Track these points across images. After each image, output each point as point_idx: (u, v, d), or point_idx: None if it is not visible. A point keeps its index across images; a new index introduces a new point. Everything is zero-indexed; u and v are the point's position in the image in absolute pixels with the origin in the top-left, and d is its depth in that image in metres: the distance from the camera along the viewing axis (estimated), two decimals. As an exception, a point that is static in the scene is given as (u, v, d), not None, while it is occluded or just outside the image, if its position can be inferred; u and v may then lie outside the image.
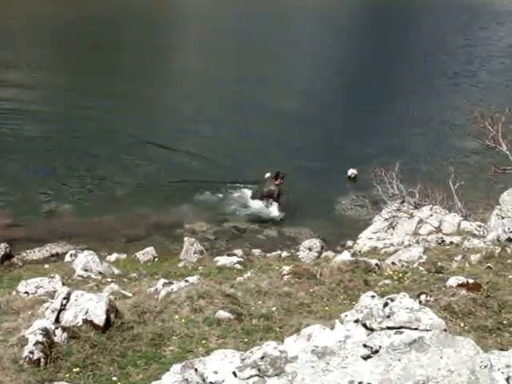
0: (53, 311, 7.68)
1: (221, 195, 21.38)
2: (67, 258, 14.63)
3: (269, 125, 27.51)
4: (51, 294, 9.72)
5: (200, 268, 12.91)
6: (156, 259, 15.02)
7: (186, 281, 10.13)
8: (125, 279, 12.20)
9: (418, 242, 13.86)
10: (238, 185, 22.11)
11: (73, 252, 14.82)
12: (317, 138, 26.70)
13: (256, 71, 35.42)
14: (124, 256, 15.36)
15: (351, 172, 22.92)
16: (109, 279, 11.96)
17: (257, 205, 20.89)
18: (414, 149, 25.73)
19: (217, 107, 30.19)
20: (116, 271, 13.03)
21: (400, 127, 28.42)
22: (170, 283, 9.91)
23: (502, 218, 13.70)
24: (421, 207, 16.64)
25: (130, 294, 9.88)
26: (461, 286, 9.18)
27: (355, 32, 50.81)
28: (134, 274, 12.73)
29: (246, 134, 26.59)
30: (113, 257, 15.24)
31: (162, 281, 10.09)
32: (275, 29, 48.34)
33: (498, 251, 11.26)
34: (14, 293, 10.65)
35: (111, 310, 7.77)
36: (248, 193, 21.56)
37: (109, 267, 13.10)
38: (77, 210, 19.59)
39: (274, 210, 20.66)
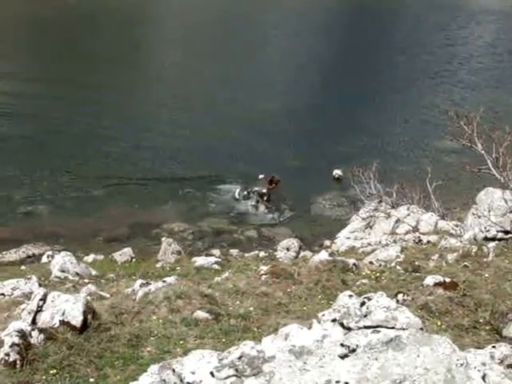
0: (29, 313, 7.61)
1: (201, 194, 21.42)
2: (44, 259, 14.54)
3: (250, 124, 27.62)
4: (28, 296, 9.68)
5: (178, 268, 12.91)
6: (133, 260, 15.01)
7: (164, 281, 10.10)
8: (102, 280, 12.17)
9: (395, 242, 13.91)
10: (219, 184, 22.16)
11: (50, 253, 14.73)
12: (297, 137, 26.84)
13: (235, 70, 35.42)
14: (101, 257, 15.33)
15: (336, 173, 22.94)
16: (86, 280, 11.91)
17: (243, 204, 21.02)
18: (392, 148, 25.94)
19: (197, 106, 30.16)
20: (93, 272, 12.98)
21: (379, 127, 28.57)
22: (148, 284, 9.88)
23: (479, 217, 13.77)
24: (398, 207, 16.71)
25: (108, 295, 9.86)
26: (438, 284, 9.22)
27: (334, 31, 50.81)
28: (112, 275, 12.70)
29: (228, 134, 26.63)
30: (90, 258, 15.20)
31: (140, 281, 10.06)
32: (253, 28, 48.27)
33: (474, 250, 11.33)
34: (-11, 294, 10.57)
35: (88, 311, 7.71)
36: (230, 192, 21.63)
37: (86, 268, 13.04)
38: (53, 211, 19.55)
39: (261, 211, 20.76)
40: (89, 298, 8.70)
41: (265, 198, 20.87)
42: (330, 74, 37.77)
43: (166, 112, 28.77)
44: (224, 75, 34.64)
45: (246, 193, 21.15)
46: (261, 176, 21.31)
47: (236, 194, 21.18)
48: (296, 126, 28.06)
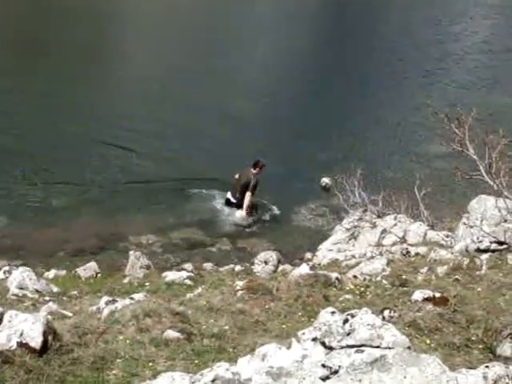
0: (-17, 334, 7.56)
1: (173, 201, 21.25)
2: (0, 275, 14.28)
3: (229, 125, 27.52)
4: (-18, 316, 9.57)
5: (147, 284, 12.85)
6: (99, 275, 14.87)
7: (132, 298, 10.07)
8: (64, 298, 12.06)
9: (381, 254, 13.97)
10: (193, 189, 21.99)
11: (6, 269, 14.40)
12: (278, 138, 26.74)
13: (209, 70, 35.26)
14: (63, 272, 15.16)
15: (323, 181, 22.68)
16: (47, 298, 11.78)
17: (221, 213, 20.94)
18: (379, 152, 25.90)
19: (171, 104, 30.08)
20: (55, 289, 12.82)
21: (366, 129, 28.56)
22: (114, 301, 9.85)
23: (471, 227, 13.76)
24: (384, 216, 16.71)
25: (70, 314, 9.77)
26: (427, 300, 9.24)
27: (318, 28, 50.89)
28: (75, 292, 12.59)
29: (205, 135, 26.51)
30: (51, 273, 15.02)
31: (105, 298, 10.02)
32: (228, 25, 48.34)
33: (466, 262, 11.37)
34: None
35: (49, 331, 7.65)
36: (206, 198, 21.50)
37: (47, 285, 12.88)
38: (10, 222, 19.23)
39: (238, 221, 20.67)
40: (49, 317, 8.60)
41: (251, 186, 20.70)
42: (313, 71, 37.67)
43: (137, 111, 28.64)
44: (199, 71, 34.59)
45: (229, 198, 21.04)
46: (236, 176, 21.20)
47: (226, 201, 21.23)
48: (277, 127, 28.08)
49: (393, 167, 24.63)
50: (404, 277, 11.10)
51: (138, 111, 28.79)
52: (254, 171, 20.99)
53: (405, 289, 10.39)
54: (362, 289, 10.69)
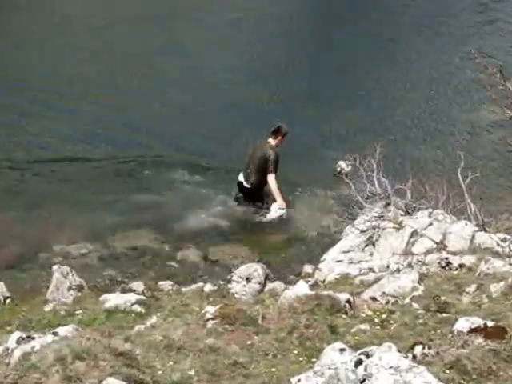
0: None
1: (118, 190, 21.26)
2: None
3: (208, 92, 28.00)
4: None
5: (78, 312, 12.81)
6: (7, 301, 14.68)
7: (56, 333, 10.00)
8: (-41, 334, 12.12)
9: (410, 266, 13.95)
10: (149, 172, 22.06)
11: None
12: (277, 107, 26.87)
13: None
14: (-42, 298, 15.21)
15: (339, 165, 22.43)
16: None
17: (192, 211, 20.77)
18: (406, 123, 25.87)
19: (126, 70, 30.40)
20: None
21: (388, 92, 28.67)
22: (30, 338, 9.73)
23: (539, 227, 13.93)
24: (415, 212, 16.73)
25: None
26: (475, 331, 9.15)
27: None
28: (-26, 326, 12.65)
29: (172, 104, 27.09)
30: None
31: (17, 335, 9.88)
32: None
33: (531, 278, 11.53)
34: None
35: None
36: (169, 185, 21.56)
37: None
38: None
39: (278, 207, 20.61)
40: None
41: (270, 162, 20.54)
42: (326, 23, 38.18)
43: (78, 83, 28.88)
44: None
45: (241, 182, 21.04)
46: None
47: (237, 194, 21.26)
48: (277, 90, 28.39)
49: (425, 143, 24.52)
50: (443, 298, 11.08)
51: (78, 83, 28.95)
52: (274, 142, 20.82)
53: (444, 315, 10.37)
54: (384, 316, 10.68)
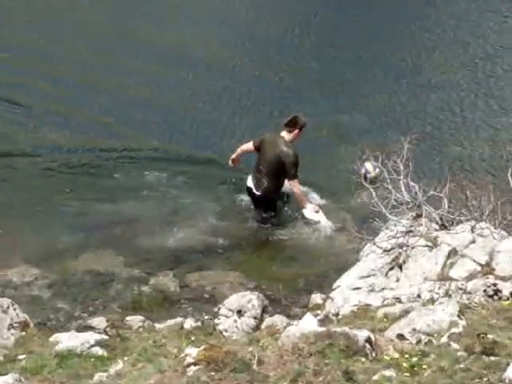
0: None
1: (76, 193, 21.19)
2: None
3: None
4: None
5: (22, 357, 12.80)
6: None
7: (-9, 387, 9.43)
8: None
9: (448, 295, 13.97)
10: (117, 169, 22.14)
11: None
12: (285, 91, 27.71)
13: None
14: None
15: (366, 168, 21.79)
16: None
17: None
18: (440, 112, 26.17)
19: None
20: None
21: (419, 71, 29.34)
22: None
23: None
24: (453, 226, 16.70)
25: None
26: (533, 379, 8.54)
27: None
28: None
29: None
30: None
31: None
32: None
33: None
34: None
35: None
36: (140, 186, 21.40)
37: None
38: None
39: (321, 219, 20.73)
40: None
41: (290, 164, 20.54)
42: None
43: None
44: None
45: (250, 188, 21.03)
46: (244, 146, 21.24)
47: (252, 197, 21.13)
48: (284, 73, 29.08)
49: (468, 137, 24.62)
50: (491, 337, 10.84)
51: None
52: (289, 136, 20.52)
53: (492, 359, 10.10)
54: (415, 359, 10.53)
